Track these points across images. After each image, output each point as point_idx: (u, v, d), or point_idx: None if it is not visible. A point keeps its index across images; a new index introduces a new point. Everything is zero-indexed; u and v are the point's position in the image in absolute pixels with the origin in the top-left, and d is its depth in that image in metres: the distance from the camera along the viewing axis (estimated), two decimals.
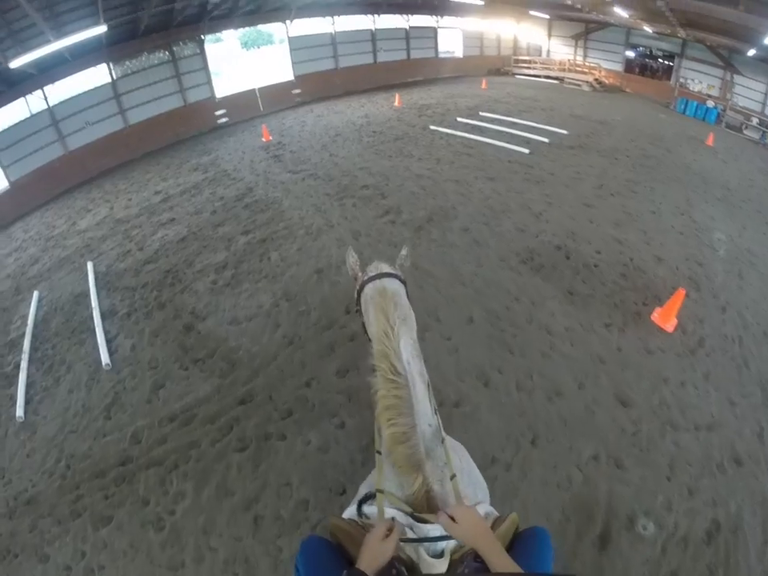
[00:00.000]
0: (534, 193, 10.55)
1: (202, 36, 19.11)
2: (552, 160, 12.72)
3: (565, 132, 15.27)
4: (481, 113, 17.52)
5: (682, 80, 24.09)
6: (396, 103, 19.82)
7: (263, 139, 16.26)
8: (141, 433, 5.46)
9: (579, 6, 21.90)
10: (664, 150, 14.37)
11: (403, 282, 2.43)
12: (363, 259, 2.84)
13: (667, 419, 5.15)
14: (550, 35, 29.78)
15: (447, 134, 14.99)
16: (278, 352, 6.34)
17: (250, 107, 20.73)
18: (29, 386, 6.48)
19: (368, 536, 1.47)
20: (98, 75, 16.64)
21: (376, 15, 23.73)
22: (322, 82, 22.85)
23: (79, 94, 16.22)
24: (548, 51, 30.14)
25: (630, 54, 26.64)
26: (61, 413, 5.94)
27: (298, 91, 21.97)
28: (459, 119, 16.60)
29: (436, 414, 1.99)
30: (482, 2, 21.55)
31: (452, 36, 28.14)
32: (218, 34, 45.39)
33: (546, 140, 14.35)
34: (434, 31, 26.56)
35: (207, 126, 19.69)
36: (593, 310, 6.81)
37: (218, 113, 19.94)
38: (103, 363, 6.52)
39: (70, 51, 13.59)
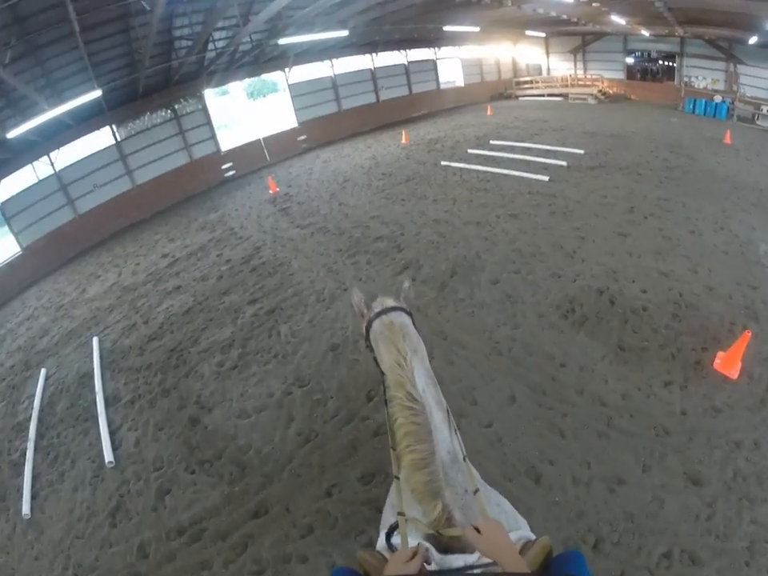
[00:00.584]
0: (563, 227, 9.51)
1: (203, 91, 18.78)
2: (575, 185, 11.73)
3: (581, 152, 14.35)
4: (491, 141, 16.73)
5: (686, 79, 23.25)
6: (403, 140, 19.17)
7: (270, 191, 15.67)
8: (148, 546, 4.78)
9: (575, 20, 21.25)
10: (686, 158, 13.35)
11: (409, 314, 2.33)
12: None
13: (744, 493, 4.23)
14: (548, 53, 29.16)
15: (460, 168, 14.17)
16: (293, 453, 5.39)
17: (256, 158, 20.27)
18: (35, 477, 6.02)
19: (392, 557, 1.46)
20: (103, 138, 16.58)
21: (374, 54, 23.28)
22: (327, 126, 22.38)
23: (85, 158, 16.10)
24: (548, 69, 29.46)
25: (629, 60, 25.99)
26: (66, 514, 5.39)
27: (303, 138, 21.48)
28: (470, 151, 15.79)
29: (456, 434, 1.94)
30: (478, 29, 20.81)
31: (451, 66, 27.60)
32: (223, 87, 46.56)
33: (563, 163, 13.40)
34: (433, 63, 26.08)
35: (215, 180, 19.27)
36: (649, 366, 5.76)
37: (225, 166, 19.47)
38: (106, 461, 5.89)
39: (71, 117, 13.37)
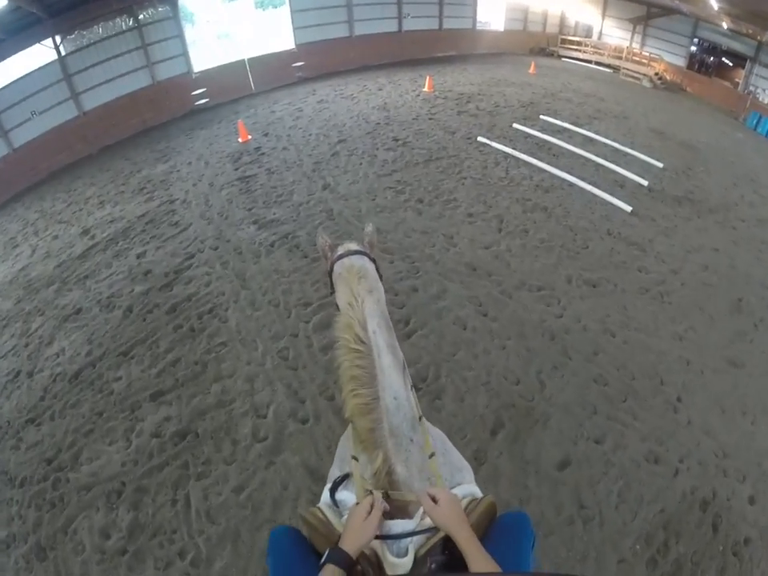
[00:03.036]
0: (661, 329, 5.24)
1: None
2: (665, 232, 7.16)
3: (660, 165, 9.51)
4: (542, 116, 11.56)
5: (752, 88, 18.40)
6: (426, 88, 13.72)
7: (239, 139, 10.47)
8: None
9: None
10: None
11: (372, 259, 1.96)
12: None
13: None
14: (604, 15, 23.11)
15: (504, 154, 9.17)
16: None
17: (237, 84, 14.76)
18: None
19: (350, 513, 1.27)
20: (44, 54, 11.69)
21: None
22: (332, 52, 16.63)
23: (21, 78, 11.41)
24: (600, 33, 23.48)
25: (693, 48, 20.76)
26: None
27: (299, 64, 15.75)
28: (516, 126, 10.67)
29: (411, 391, 1.66)
30: None
31: (492, 3, 21.44)
32: None
33: (643, 182, 8.59)
34: None
35: (181, 108, 14.00)
36: None
37: (196, 92, 13.93)
38: None
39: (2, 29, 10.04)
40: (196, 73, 14.11)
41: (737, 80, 19.71)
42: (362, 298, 1.62)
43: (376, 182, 7.92)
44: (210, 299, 5.75)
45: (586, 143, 10.24)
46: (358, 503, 1.33)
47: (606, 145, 10.24)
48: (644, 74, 20.08)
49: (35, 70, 11.53)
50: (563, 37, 23.33)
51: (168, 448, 3.96)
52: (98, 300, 6.12)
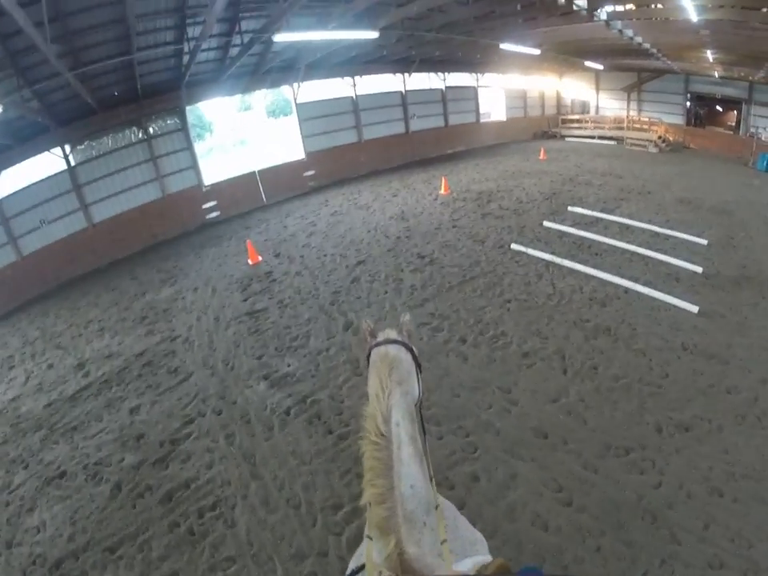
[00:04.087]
0: None
1: (183, 106, 12.68)
2: (738, 330, 5.92)
3: (704, 242, 8.40)
4: (569, 207, 10.49)
5: (752, 129, 17.92)
6: (442, 190, 12.88)
7: (249, 261, 9.45)
8: None
9: (654, 51, 15.04)
10: None
11: (410, 349, 1.90)
12: None
13: None
14: (598, 89, 23.07)
15: (545, 262, 7.96)
16: None
17: (249, 196, 14.12)
18: None
19: None
20: (54, 162, 11.23)
21: (406, 74, 17.07)
22: (341, 159, 16.13)
23: (30, 185, 10.90)
24: (597, 107, 23.31)
25: (688, 104, 20.49)
26: None
27: (310, 173, 15.22)
28: (547, 224, 9.55)
29: (432, 481, 1.65)
30: (539, 51, 14.66)
31: (491, 96, 21.39)
32: (247, 101, 39.87)
33: (697, 269, 7.40)
34: (473, 91, 19.87)
35: (192, 222, 13.25)
36: None
37: (207, 205, 13.27)
38: None
39: (8, 135, 9.60)
40: (206, 186, 13.53)
41: (729, 123, 19.57)
42: (389, 390, 1.60)
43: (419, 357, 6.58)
44: (212, 489, 4.36)
45: (624, 231, 9.17)
46: None
47: (643, 230, 9.13)
48: (648, 140, 19.58)
49: (45, 179, 11.05)
50: (563, 117, 23.15)
51: None
52: (85, 465, 4.91)
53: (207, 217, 13.32)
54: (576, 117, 22.91)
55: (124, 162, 12.17)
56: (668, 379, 5.11)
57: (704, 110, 20.16)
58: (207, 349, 6.68)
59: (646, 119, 20.72)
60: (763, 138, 17.08)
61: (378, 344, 1.87)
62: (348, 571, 1.61)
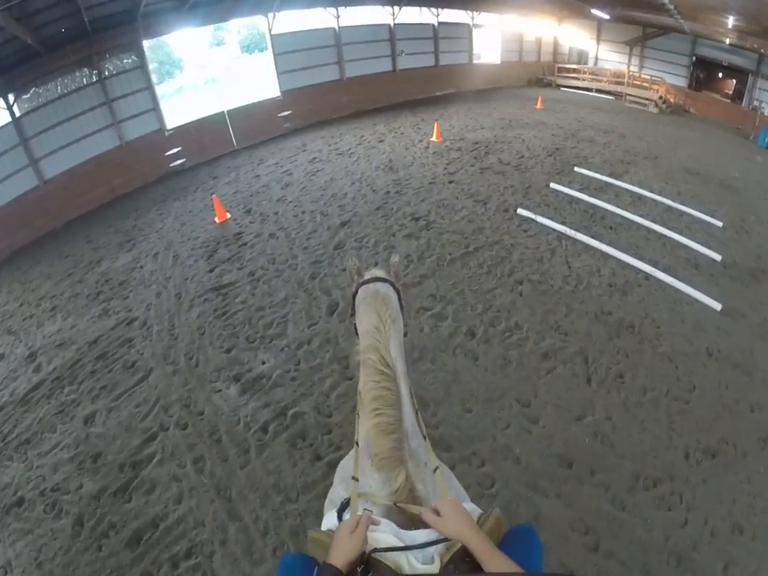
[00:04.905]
0: None
1: (140, 41, 10.64)
2: (760, 333, 5.21)
3: (719, 224, 7.52)
4: (575, 168, 9.31)
5: (756, 103, 16.63)
6: (434, 137, 11.34)
7: (216, 219, 8.02)
8: None
9: (672, 7, 13.47)
10: None
11: (397, 289, 1.89)
12: None
13: None
14: (598, 39, 21.14)
15: (557, 233, 6.82)
16: None
17: (217, 140, 12.32)
18: None
19: (337, 530, 1.21)
20: None
21: (396, 7, 14.96)
22: (322, 98, 14.24)
23: None
24: (596, 58, 21.48)
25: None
26: None
27: (286, 114, 13.36)
28: (554, 186, 8.35)
29: (417, 415, 1.65)
30: None
31: (486, 37, 19.35)
32: (220, 36, 35.93)
33: (716, 257, 6.54)
34: (468, 29, 17.79)
35: (155, 172, 11.52)
36: None
37: (171, 152, 11.48)
38: None
39: None
40: (169, 130, 11.67)
41: (726, 91, 18.40)
42: (387, 324, 1.57)
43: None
44: (184, 531, 3.38)
45: (636, 202, 8.12)
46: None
47: (656, 203, 8.11)
48: (649, 99, 18.11)
49: None
50: (559, 65, 21.29)
51: None
52: (42, 491, 3.93)
53: (171, 165, 11.52)
54: (573, 66, 21.10)
55: (75, 109, 10.28)
56: (695, 393, 4.37)
57: (703, 75, 18.72)
58: (168, 337, 5.43)
59: (648, 77, 19.21)
60: (767, 113, 15.85)
61: (367, 281, 1.83)
62: (337, 506, 1.46)
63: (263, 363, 4.79)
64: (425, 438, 1.58)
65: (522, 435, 3.86)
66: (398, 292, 1.86)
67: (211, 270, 6.52)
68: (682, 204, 8.13)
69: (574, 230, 6.84)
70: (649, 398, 4.25)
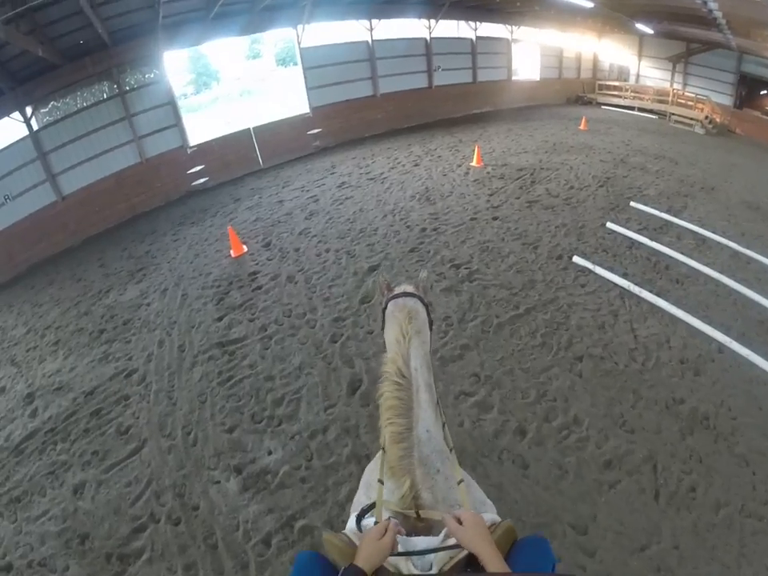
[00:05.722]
0: None
1: (161, 53, 10.03)
2: None
3: None
4: (632, 202, 8.20)
5: None
6: (474, 162, 10.31)
7: (231, 253, 7.19)
8: None
9: (722, 22, 12.14)
10: None
11: (425, 304, 1.93)
12: None
13: None
14: (640, 55, 19.81)
15: (619, 290, 5.74)
16: None
17: (242, 158, 11.59)
18: None
19: (364, 534, 1.24)
20: (14, 127, 8.99)
21: (432, 20, 14.04)
22: (353, 116, 13.42)
23: None
24: (637, 75, 20.15)
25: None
26: None
27: (316, 131, 12.54)
28: (611, 226, 7.25)
29: (444, 428, 1.65)
30: (592, 4, 11.80)
31: (525, 52, 18.25)
32: (257, 49, 35.67)
33: None
34: (507, 44, 16.74)
35: (176, 190, 10.90)
36: None
37: (193, 170, 10.78)
38: None
39: None
40: (192, 147, 10.97)
41: (766, 108, 16.96)
42: (409, 336, 1.61)
43: (440, 375, 4.46)
44: None
45: (701, 246, 6.96)
46: (376, 523, 1.28)
47: (721, 247, 6.95)
48: (695, 119, 16.74)
49: (5, 148, 8.81)
50: (600, 82, 20.06)
51: None
52: (30, 563, 3.41)
53: (193, 184, 10.84)
54: (615, 83, 19.82)
55: (95, 123, 9.72)
56: None
57: (744, 91, 17.29)
58: (166, 400, 4.58)
59: (692, 95, 17.81)
60: None
61: (396, 296, 1.87)
62: (358, 511, 1.44)
63: (269, 453, 3.86)
64: (451, 450, 1.56)
65: (574, 571, 2.89)
66: (426, 306, 1.88)
67: (220, 319, 5.65)
68: (747, 248, 6.96)
69: (638, 284, 5.76)
70: (722, 517, 3.23)
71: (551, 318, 5.13)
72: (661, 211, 7.98)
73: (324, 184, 9.89)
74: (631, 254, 6.59)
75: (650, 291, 5.67)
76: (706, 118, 16.86)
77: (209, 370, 4.86)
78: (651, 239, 6.93)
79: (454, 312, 5.20)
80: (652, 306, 5.49)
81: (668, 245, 6.86)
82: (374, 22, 13.03)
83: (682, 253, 6.65)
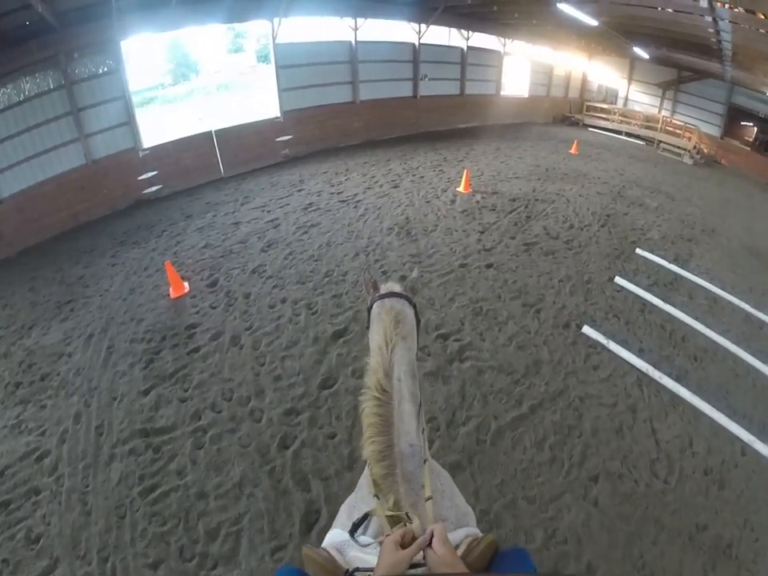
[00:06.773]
0: None
1: (117, 40, 8.50)
2: None
3: None
4: (638, 249, 7.35)
5: None
6: (461, 187, 9.21)
7: (170, 292, 5.85)
8: None
9: (729, 54, 11.43)
10: None
11: (413, 304, 1.78)
12: None
13: None
14: (630, 79, 19.35)
15: (635, 372, 4.75)
16: None
17: (201, 165, 10.12)
18: None
19: (385, 541, 1.10)
20: None
21: (423, 25, 12.87)
22: (328, 123, 12.11)
23: None
24: (626, 99, 19.67)
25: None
26: None
27: (286, 138, 11.17)
28: (619, 281, 6.32)
29: (423, 434, 1.49)
30: (596, 23, 10.91)
31: (514, 67, 17.32)
32: (240, 43, 33.67)
33: None
34: (498, 57, 15.72)
35: (125, 198, 9.33)
36: None
37: (144, 176, 9.28)
38: None
39: None
40: (145, 149, 9.43)
41: (746, 138, 17.11)
42: (393, 344, 1.49)
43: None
44: None
45: (713, 307, 6.27)
46: (388, 535, 1.17)
47: (734, 309, 6.29)
48: (683, 149, 16.37)
49: None
50: (588, 103, 19.43)
51: None
52: None
53: (144, 192, 9.31)
54: (603, 105, 19.20)
55: (37, 117, 8.06)
56: None
57: (726, 121, 17.37)
58: (80, 506, 3.34)
59: (681, 123, 17.38)
60: None
61: (382, 296, 1.73)
62: (345, 526, 1.33)
63: None
64: (424, 461, 1.40)
65: None
66: (414, 307, 1.76)
67: (146, 393, 4.31)
68: (757, 308, 6.35)
69: (655, 364, 4.80)
70: None
71: (561, 420, 4.03)
72: (668, 261, 7.25)
73: (288, 204, 8.55)
74: (645, 321, 5.63)
75: (670, 376, 4.71)
76: (695, 147, 16.54)
77: (129, 471, 3.57)
78: (664, 300, 6.07)
79: (441, 410, 4.01)
80: (672, 395, 4.54)
81: (681, 306, 6.03)
82: (360, 20, 11.77)
83: (697, 318, 5.83)
